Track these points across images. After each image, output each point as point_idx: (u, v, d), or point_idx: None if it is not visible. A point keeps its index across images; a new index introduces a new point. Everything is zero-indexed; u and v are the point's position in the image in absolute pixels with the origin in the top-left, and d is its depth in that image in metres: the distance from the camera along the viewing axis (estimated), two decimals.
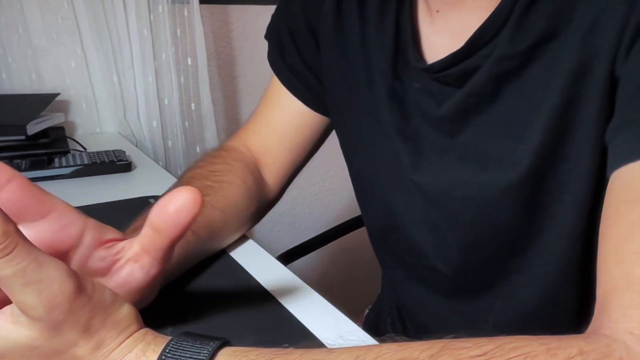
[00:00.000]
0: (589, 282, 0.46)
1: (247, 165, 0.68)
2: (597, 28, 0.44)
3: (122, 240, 0.41)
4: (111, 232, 0.41)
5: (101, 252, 0.40)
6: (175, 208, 0.38)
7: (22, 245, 0.30)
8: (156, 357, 0.33)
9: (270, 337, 0.36)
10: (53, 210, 0.38)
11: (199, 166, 0.65)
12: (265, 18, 0.71)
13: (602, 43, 0.44)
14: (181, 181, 0.62)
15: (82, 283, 0.33)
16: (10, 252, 0.30)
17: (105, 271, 0.41)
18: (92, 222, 0.40)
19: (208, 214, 0.56)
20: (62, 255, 0.38)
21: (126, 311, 0.35)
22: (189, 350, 0.33)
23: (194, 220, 0.39)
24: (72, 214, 0.38)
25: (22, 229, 0.32)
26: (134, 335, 0.35)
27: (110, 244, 0.41)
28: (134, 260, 0.41)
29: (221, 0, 1.36)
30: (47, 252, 0.32)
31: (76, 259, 0.39)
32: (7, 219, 0.30)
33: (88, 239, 0.39)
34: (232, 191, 0.62)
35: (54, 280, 0.31)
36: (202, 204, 0.38)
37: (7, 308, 0.33)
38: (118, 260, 0.41)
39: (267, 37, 0.71)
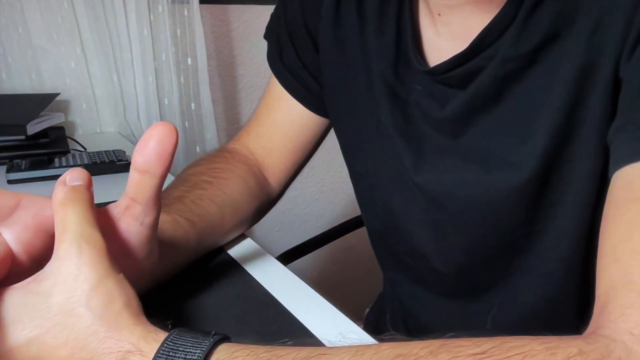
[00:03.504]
0: (591, 283, 0.46)
1: (249, 166, 0.68)
2: (601, 29, 0.44)
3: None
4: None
5: None
6: (155, 141, 0.38)
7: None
8: (157, 346, 0.33)
9: (270, 337, 0.36)
10: (21, 199, 0.38)
11: (199, 164, 0.65)
12: (265, 18, 0.71)
13: (606, 44, 0.44)
14: (180, 178, 0.62)
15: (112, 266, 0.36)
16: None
17: None
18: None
19: (204, 206, 0.56)
20: (51, 237, 0.39)
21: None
22: (189, 341, 0.34)
23: (175, 149, 0.39)
24: (34, 196, 0.39)
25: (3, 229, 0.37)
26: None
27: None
28: (125, 216, 0.40)
29: (221, 0, 1.36)
30: (36, 236, 0.38)
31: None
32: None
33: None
34: (231, 187, 0.62)
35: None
36: (177, 132, 0.39)
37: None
38: (109, 225, 0.40)
39: (266, 37, 0.71)
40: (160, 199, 0.41)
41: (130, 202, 0.40)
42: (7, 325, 0.34)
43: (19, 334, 0.33)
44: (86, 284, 0.34)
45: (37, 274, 0.35)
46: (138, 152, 0.39)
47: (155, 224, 0.42)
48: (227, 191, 0.61)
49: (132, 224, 0.40)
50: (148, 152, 0.38)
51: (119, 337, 0.34)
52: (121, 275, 0.36)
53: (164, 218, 0.51)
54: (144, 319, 0.36)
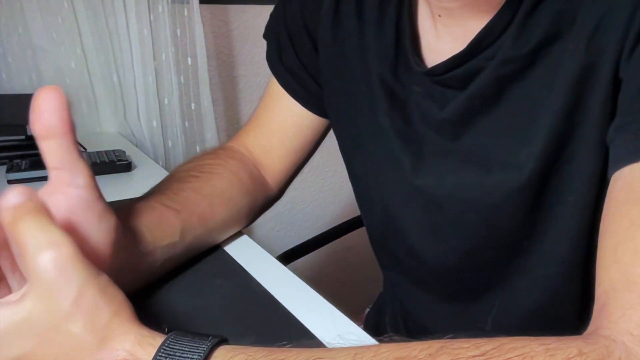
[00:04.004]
0: (591, 284, 0.46)
1: (243, 163, 0.67)
2: (602, 29, 0.44)
3: None
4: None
5: None
6: (44, 103, 0.37)
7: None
8: (154, 351, 0.33)
9: (270, 337, 0.36)
10: None
11: (190, 161, 0.65)
12: (265, 18, 0.71)
13: (606, 44, 0.44)
14: (169, 175, 0.62)
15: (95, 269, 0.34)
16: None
17: None
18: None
19: (187, 196, 0.56)
20: None
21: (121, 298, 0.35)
22: (186, 345, 0.33)
23: (66, 102, 0.37)
24: None
25: None
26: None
27: None
28: (58, 187, 0.39)
29: (221, 0, 1.36)
30: None
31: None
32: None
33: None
34: (219, 180, 0.61)
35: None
36: (60, 90, 0.37)
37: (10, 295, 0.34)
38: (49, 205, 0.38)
39: (265, 37, 0.71)
40: (83, 156, 0.40)
41: (56, 172, 0.39)
42: None
43: (7, 352, 0.32)
44: (66, 300, 0.32)
45: (16, 294, 0.34)
46: (34, 122, 0.37)
47: (90, 183, 0.40)
48: (215, 183, 0.60)
49: (68, 191, 0.39)
50: (44, 116, 0.37)
51: (112, 346, 0.33)
52: (104, 277, 0.35)
53: (141, 205, 0.51)
54: (137, 323, 0.35)
